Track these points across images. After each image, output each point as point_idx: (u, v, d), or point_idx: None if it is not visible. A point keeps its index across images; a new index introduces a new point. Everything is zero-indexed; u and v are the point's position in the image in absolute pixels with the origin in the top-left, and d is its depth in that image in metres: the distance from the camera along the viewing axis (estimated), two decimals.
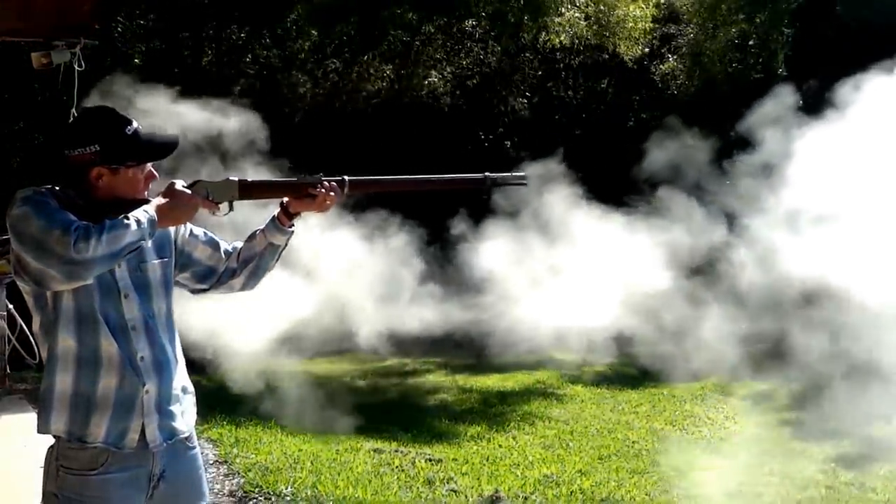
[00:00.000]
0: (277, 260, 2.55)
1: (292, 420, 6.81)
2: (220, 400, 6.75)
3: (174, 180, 2.27)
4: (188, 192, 2.27)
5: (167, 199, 2.23)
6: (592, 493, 5.26)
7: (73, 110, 4.68)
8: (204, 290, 2.54)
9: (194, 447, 2.40)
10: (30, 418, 6.20)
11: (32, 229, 2.05)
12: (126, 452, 2.21)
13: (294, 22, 13.33)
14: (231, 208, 2.40)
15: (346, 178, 2.45)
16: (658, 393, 8.18)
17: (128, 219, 2.10)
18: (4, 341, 6.77)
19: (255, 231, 2.52)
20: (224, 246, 2.52)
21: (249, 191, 2.40)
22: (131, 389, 2.21)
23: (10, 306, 6.71)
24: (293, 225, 2.50)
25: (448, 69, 14.66)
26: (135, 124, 2.25)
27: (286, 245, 2.53)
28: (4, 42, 6.17)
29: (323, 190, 2.41)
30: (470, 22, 14.32)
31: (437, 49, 14.53)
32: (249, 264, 2.51)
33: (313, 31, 13.49)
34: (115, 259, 2.10)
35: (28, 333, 6.50)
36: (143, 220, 2.13)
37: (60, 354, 2.18)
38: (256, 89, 13.10)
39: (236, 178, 2.40)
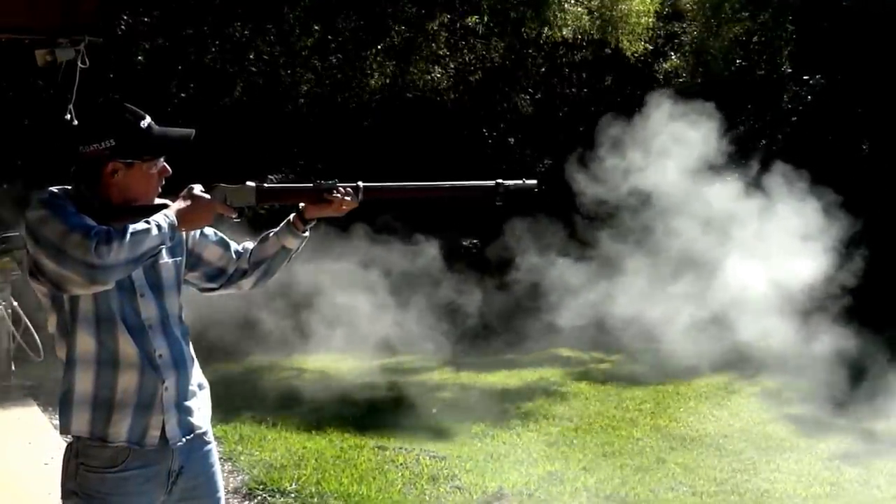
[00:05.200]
0: (288, 263, 2.57)
1: (294, 418, 6.83)
2: (220, 397, 6.75)
3: (192, 184, 2.28)
4: (206, 196, 2.27)
5: (186, 203, 2.23)
6: (596, 490, 5.26)
7: (70, 106, 4.64)
8: (213, 290, 2.55)
9: (210, 442, 2.42)
10: (35, 415, 6.21)
11: (51, 233, 2.04)
12: (147, 449, 2.23)
13: (297, 18, 13.33)
14: (247, 213, 2.41)
15: (360, 184, 2.46)
16: (663, 390, 8.17)
17: (148, 223, 2.10)
18: (9, 338, 6.77)
19: (268, 233, 2.54)
20: (235, 246, 2.54)
21: (267, 196, 2.42)
22: (151, 387, 2.22)
23: (15, 303, 6.72)
24: (307, 230, 2.51)
25: (451, 65, 14.63)
26: (148, 119, 2.25)
27: (298, 249, 2.54)
28: (9, 39, 6.17)
29: (338, 195, 2.42)
30: (473, 18, 14.29)
31: (439, 45, 14.50)
32: (261, 266, 2.52)
33: (316, 27, 13.48)
34: (137, 264, 2.11)
35: (32, 330, 6.52)
36: (164, 224, 2.13)
37: (80, 355, 2.19)
38: (259, 86, 13.10)
39: (254, 184, 2.40)
